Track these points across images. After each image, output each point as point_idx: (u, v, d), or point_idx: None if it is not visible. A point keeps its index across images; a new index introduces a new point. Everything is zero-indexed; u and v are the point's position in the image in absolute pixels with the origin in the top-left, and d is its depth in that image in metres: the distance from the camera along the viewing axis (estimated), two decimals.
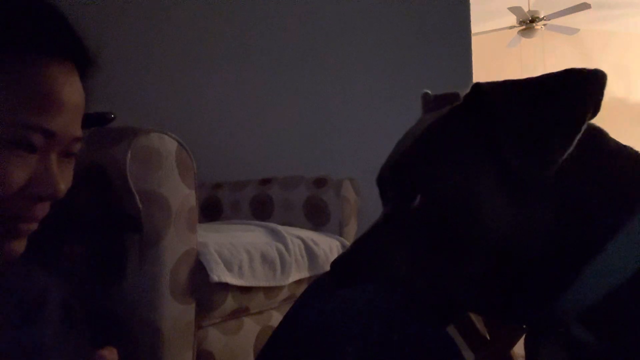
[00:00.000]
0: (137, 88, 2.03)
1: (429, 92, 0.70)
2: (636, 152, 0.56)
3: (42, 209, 0.62)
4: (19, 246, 0.62)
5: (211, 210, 1.87)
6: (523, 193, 0.52)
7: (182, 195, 1.03)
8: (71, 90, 0.61)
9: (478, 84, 0.56)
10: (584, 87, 0.52)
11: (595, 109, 0.51)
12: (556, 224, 0.52)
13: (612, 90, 7.49)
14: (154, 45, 2.15)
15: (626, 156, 0.55)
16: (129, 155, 0.95)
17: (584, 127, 0.50)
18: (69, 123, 0.61)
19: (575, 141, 0.50)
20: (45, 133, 0.59)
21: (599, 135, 0.56)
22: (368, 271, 0.55)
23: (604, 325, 0.52)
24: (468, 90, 0.58)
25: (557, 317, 0.54)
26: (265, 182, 1.80)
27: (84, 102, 0.65)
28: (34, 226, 0.63)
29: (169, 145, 1.01)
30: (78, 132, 0.64)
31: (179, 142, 1.04)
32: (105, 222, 0.98)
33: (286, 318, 0.60)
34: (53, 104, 0.59)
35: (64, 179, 0.63)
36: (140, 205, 0.96)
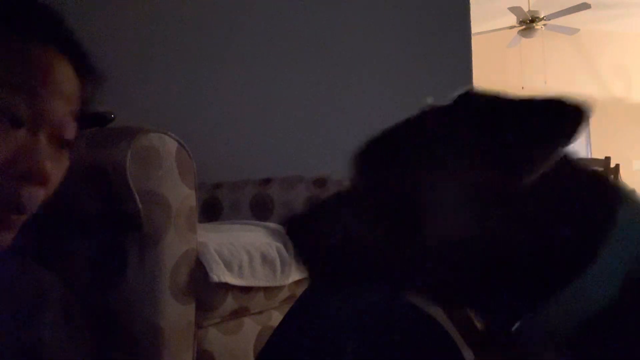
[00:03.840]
0: (137, 88, 2.03)
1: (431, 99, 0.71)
2: (605, 177, 0.58)
3: (29, 197, 0.59)
4: (6, 238, 0.59)
5: (211, 210, 1.87)
6: (481, 206, 0.53)
7: (182, 195, 1.03)
8: (58, 73, 0.61)
9: (468, 91, 0.58)
10: (564, 117, 0.53)
11: (570, 137, 0.53)
12: (522, 239, 0.53)
13: (612, 90, 7.50)
14: (154, 45, 2.15)
15: (596, 182, 0.56)
16: (129, 155, 0.95)
17: (554, 155, 0.51)
18: (57, 101, 0.60)
19: (542, 167, 0.51)
20: (29, 100, 0.57)
21: (571, 160, 0.57)
22: (317, 231, 0.58)
23: (580, 353, 0.52)
24: (458, 93, 0.59)
25: (534, 339, 0.54)
26: (265, 182, 1.80)
27: (76, 91, 0.64)
28: (20, 219, 0.60)
29: (169, 145, 1.01)
30: (70, 119, 0.62)
31: (179, 142, 1.04)
32: (105, 222, 0.98)
33: (285, 318, 0.60)
34: (37, 77, 0.59)
35: (56, 166, 0.61)
36: (140, 205, 0.96)
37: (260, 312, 1.31)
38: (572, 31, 6.18)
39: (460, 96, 0.58)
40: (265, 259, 1.26)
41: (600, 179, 0.57)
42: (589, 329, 0.51)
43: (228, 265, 1.15)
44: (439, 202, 0.53)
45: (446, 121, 0.57)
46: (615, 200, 0.54)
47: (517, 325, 0.54)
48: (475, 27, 2.42)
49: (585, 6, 5.44)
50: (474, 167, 0.53)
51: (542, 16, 6.00)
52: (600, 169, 4.71)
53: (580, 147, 7.58)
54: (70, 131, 0.63)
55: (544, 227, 0.53)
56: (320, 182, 1.70)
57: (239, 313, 1.23)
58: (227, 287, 1.14)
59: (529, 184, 0.52)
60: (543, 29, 6.17)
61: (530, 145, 0.52)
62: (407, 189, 0.55)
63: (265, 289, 1.27)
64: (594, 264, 0.51)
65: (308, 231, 0.59)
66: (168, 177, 1.01)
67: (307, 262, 0.59)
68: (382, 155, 0.58)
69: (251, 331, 1.26)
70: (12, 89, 0.57)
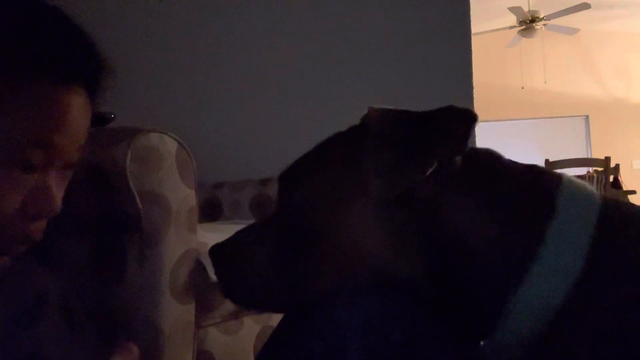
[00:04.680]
0: (137, 88, 2.03)
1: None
2: (534, 171, 0.57)
3: (37, 230, 0.60)
4: (6, 261, 0.61)
5: (211, 210, 1.87)
6: (390, 219, 0.54)
7: (182, 195, 1.03)
8: (78, 112, 0.60)
9: (369, 108, 0.60)
10: (447, 124, 0.54)
11: (460, 144, 0.53)
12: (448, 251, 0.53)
13: (612, 90, 7.50)
14: (154, 45, 2.15)
15: (523, 179, 0.56)
16: (128, 155, 0.95)
17: (435, 160, 0.52)
18: (71, 141, 0.60)
19: (426, 171, 0.52)
20: (47, 150, 0.57)
21: (492, 162, 0.57)
22: (237, 260, 0.60)
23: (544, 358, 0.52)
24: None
25: (498, 350, 0.54)
26: (265, 182, 1.80)
27: (88, 121, 0.63)
28: (25, 248, 0.61)
29: (169, 145, 1.01)
30: (79, 148, 0.62)
31: (179, 142, 1.04)
32: (105, 222, 0.98)
33: (285, 319, 0.60)
34: (57, 125, 0.58)
35: (61, 189, 0.61)
36: (140, 206, 0.96)
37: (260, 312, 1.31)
38: (572, 31, 6.18)
39: (364, 116, 0.60)
40: None
41: (522, 175, 0.56)
42: (550, 332, 0.51)
43: None
44: (352, 225, 0.55)
45: (352, 141, 0.59)
46: (544, 210, 0.53)
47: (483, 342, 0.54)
48: (475, 27, 2.42)
49: (585, 6, 5.45)
50: (374, 185, 0.54)
51: (542, 16, 6.00)
52: (600, 168, 4.72)
53: (580, 147, 7.59)
54: (78, 157, 0.63)
55: (476, 238, 0.53)
56: None
57: (239, 313, 1.23)
58: None
59: (442, 194, 0.53)
60: (543, 29, 6.17)
61: (416, 152, 0.53)
62: (308, 215, 0.56)
63: None
64: (537, 262, 0.51)
65: (228, 257, 0.61)
66: (168, 177, 1.01)
67: (224, 289, 0.61)
68: (292, 180, 0.60)
69: (251, 331, 1.26)
70: (29, 139, 0.56)
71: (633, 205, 0.58)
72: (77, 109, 0.60)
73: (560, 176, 0.56)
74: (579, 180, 0.56)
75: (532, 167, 0.57)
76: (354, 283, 0.55)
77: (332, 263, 0.55)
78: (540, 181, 0.55)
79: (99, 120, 0.96)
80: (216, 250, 0.63)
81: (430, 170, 0.52)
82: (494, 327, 0.52)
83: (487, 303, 0.52)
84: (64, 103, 0.58)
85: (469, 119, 0.53)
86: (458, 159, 0.55)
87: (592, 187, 0.56)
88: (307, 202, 0.57)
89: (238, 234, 0.63)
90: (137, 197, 0.96)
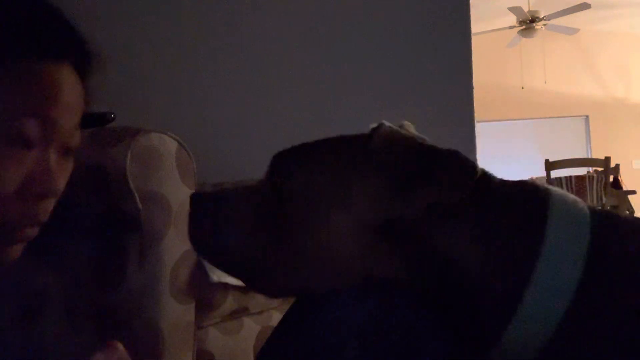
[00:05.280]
0: (137, 88, 2.03)
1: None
2: (528, 188, 0.57)
3: (44, 210, 0.61)
4: (15, 252, 0.61)
5: None
6: (370, 240, 0.54)
7: (182, 195, 1.03)
8: (69, 89, 0.61)
9: (381, 124, 0.59)
10: (451, 171, 0.53)
11: (456, 194, 0.52)
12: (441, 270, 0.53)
13: (612, 90, 7.50)
14: (154, 45, 2.15)
15: (512, 202, 0.55)
16: (129, 155, 0.95)
17: (425, 203, 0.52)
18: (66, 118, 0.61)
19: (414, 211, 0.52)
20: (41, 122, 0.58)
21: (482, 181, 0.56)
22: (215, 212, 0.59)
23: None
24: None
25: None
26: None
27: (82, 101, 0.64)
28: (35, 231, 0.61)
29: (169, 145, 1.02)
30: (76, 129, 0.63)
31: (179, 142, 1.04)
32: (105, 222, 0.98)
33: (285, 319, 0.60)
34: (49, 99, 0.59)
35: (63, 175, 0.62)
36: (140, 205, 0.96)
37: (260, 312, 1.31)
38: (572, 31, 6.18)
39: (373, 128, 0.59)
40: None
41: (515, 195, 0.56)
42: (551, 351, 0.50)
43: None
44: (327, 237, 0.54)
45: (349, 150, 0.59)
46: (535, 235, 0.52)
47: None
48: (475, 27, 2.42)
49: (585, 6, 5.45)
50: (358, 205, 0.54)
51: (542, 16, 6.00)
52: (600, 168, 4.72)
53: (580, 147, 7.59)
54: (76, 140, 0.64)
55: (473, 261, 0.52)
56: None
57: (239, 313, 1.23)
58: (227, 287, 1.14)
59: (431, 222, 0.52)
60: (543, 29, 6.17)
61: (410, 190, 0.52)
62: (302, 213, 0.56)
63: None
64: (532, 282, 0.50)
65: (206, 205, 0.60)
66: (168, 177, 1.01)
67: (192, 235, 0.61)
68: (291, 166, 0.60)
69: (251, 331, 1.26)
70: (25, 113, 0.57)
71: (622, 218, 0.57)
72: (68, 85, 0.61)
73: (549, 195, 0.55)
74: (569, 196, 0.56)
75: (522, 187, 0.57)
76: (335, 284, 0.55)
77: (309, 259, 0.55)
78: (529, 204, 0.55)
79: (99, 120, 0.96)
80: (198, 196, 0.62)
81: (421, 208, 0.52)
82: (489, 349, 0.52)
83: (482, 329, 0.52)
84: (54, 78, 0.60)
85: (471, 169, 0.53)
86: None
87: (582, 204, 0.55)
88: (295, 194, 0.57)
89: (225, 190, 0.62)
90: (137, 197, 0.96)
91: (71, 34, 0.64)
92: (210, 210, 0.60)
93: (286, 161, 0.61)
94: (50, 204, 0.62)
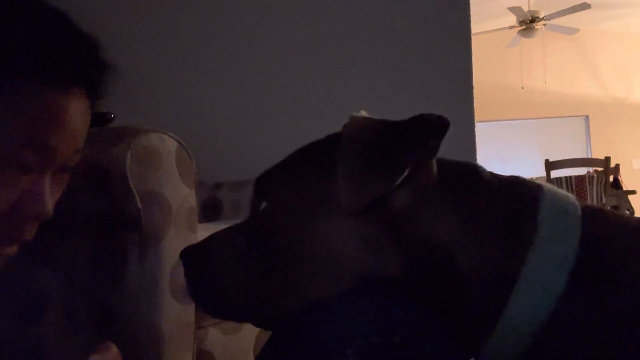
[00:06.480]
0: (137, 88, 2.03)
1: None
2: (514, 184, 0.56)
3: (29, 232, 0.60)
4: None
5: (211, 210, 1.87)
6: (363, 229, 0.53)
7: (182, 195, 1.03)
8: (76, 116, 0.59)
9: (350, 117, 0.59)
10: (416, 133, 0.53)
11: (428, 152, 0.53)
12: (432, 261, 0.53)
13: (612, 90, 7.50)
14: (155, 45, 2.15)
15: (503, 192, 0.55)
16: (128, 155, 0.95)
17: (403, 170, 0.51)
18: (69, 144, 0.59)
19: (395, 180, 0.51)
20: (43, 151, 0.57)
21: (472, 175, 0.56)
22: (208, 264, 0.59)
23: None
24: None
25: None
26: None
27: (87, 122, 0.63)
28: (14, 249, 0.60)
29: (169, 145, 1.01)
30: (77, 152, 0.62)
31: (179, 142, 1.04)
32: (105, 222, 0.98)
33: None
34: (53, 127, 0.57)
35: (57, 191, 0.61)
36: (140, 205, 0.96)
37: None
38: (572, 31, 6.18)
39: (345, 124, 0.59)
40: None
41: (504, 188, 0.55)
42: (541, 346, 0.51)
43: None
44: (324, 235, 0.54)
45: (321, 153, 0.58)
46: (526, 226, 0.52)
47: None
48: (475, 27, 2.42)
49: (585, 6, 5.45)
50: (344, 195, 0.53)
51: (542, 16, 6.00)
52: (600, 168, 4.72)
53: (580, 147, 7.59)
54: (76, 159, 0.63)
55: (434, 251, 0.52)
56: None
57: None
58: None
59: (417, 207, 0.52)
60: (543, 29, 6.18)
61: (384, 161, 0.52)
62: (288, 221, 0.56)
63: None
64: (523, 277, 0.50)
65: (198, 260, 0.60)
66: (168, 177, 1.01)
67: (191, 292, 0.60)
68: (266, 186, 0.59)
69: (251, 331, 1.26)
70: (25, 141, 0.55)
71: (613, 213, 0.58)
72: (76, 112, 0.59)
73: (540, 187, 0.55)
74: (560, 191, 0.56)
75: (513, 180, 0.57)
76: (335, 291, 0.54)
77: (305, 274, 0.55)
78: (521, 195, 0.55)
79: (99, 120, 0.96)
80: (187, 252, 0.62)
81: (400, 179, 0.51)
82: (481, 343, 0.52)
83: (474, 320, 0.52)
84: (61, 105, 0.57)
85: (441, 125, 0.52)
86: (433, 169, 0.55)
87: (573, 198, 0.56)
88: (278, 211, 0.56)
89: (211, 237, 0.62)
90: (137, 197, 0.96)
91: (90, 57, 0.61)
92: (202, 263, 0.60)
93: (265, 183, 0.60)
94: (36, 225, 0.61)
